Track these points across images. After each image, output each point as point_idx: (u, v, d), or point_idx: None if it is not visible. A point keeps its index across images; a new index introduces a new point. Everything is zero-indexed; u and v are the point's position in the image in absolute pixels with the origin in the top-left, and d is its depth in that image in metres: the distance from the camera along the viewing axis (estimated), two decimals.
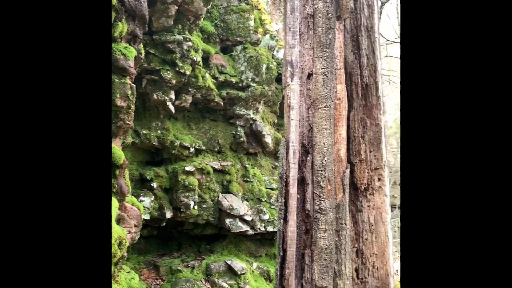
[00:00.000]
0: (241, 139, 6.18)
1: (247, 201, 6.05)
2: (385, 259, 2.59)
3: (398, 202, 14.32)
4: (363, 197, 2.64)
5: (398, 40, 8.14)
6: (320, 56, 2.34)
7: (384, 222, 2.63)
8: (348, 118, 2.67)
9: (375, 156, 2.66)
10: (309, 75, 2.40)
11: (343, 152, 2.56)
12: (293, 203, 2.30)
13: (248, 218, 5.81)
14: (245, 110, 6.15)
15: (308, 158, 2.39)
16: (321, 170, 2.35)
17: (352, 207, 2.66)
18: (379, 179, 2.65)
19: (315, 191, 2.34)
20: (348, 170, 2.55)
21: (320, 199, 2.33)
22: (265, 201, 6.22)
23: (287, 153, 2.35)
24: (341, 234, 2.43)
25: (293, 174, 2.32)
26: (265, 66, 6.07)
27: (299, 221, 2.34)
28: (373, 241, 2.60)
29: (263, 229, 5.93)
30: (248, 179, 6.24)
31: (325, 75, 2.35)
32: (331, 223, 2.33)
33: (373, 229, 2.61)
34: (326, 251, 2.27)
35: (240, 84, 6.04)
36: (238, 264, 5.57)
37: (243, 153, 6.39)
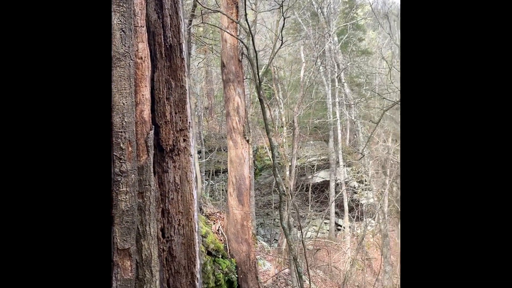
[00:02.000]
0: None
1: None
2: (190, 216, 2.71)
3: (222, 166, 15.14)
4: (169, 158, 2.68)
5: (213, 8, 8.35)
6: (117, 11, 2.20)
7: (189, 181, 2.73)
8: (152, 79, 2.62)
9: (180, 117, 2.70)
10: None
11: (146, 113, 2.51)
12: None
13: None
14: None
15: None
16: (121, 132, 2.26)
17: (158, 168, 2.67)
18: (184, 140, 2.72)
19: (115, 153, 2.24)
20: (152, 132, 2.52)
21: (121, 161, 2.25)
22: None
23: None
24: (145, 196, 2.42)
25: None
26: None
27: None
28: (179, 200, 2.69)
29: None
30: None
31: (123, 31, 2.23)
32: (133, 185, 2.29)
33: (178, 188, 2.69)
34: (128, 213, 2.23)
35: None
36: None
37: None
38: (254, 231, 13.29)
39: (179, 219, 2.67)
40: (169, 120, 2.65)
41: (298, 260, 5.39)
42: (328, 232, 20.20)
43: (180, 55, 2.68)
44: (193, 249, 2.69)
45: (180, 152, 2.70)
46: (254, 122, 16.62)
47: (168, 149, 2.66)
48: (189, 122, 2.74)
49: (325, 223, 20.33)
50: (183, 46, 2.71)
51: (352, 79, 22.53)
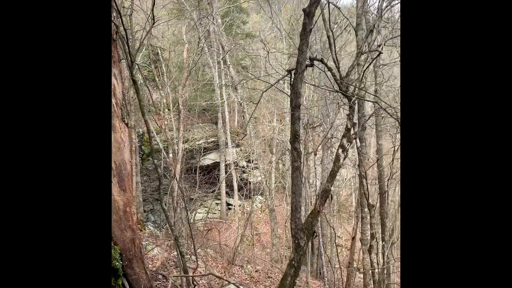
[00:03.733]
0: None
1: None
2: None
3: None
4: None
5: None
6: None
7: None
8: None
9: None
10: None
11: None
12: None
13: None
14: None
15: None
16: None
17: None
18: None
19: None
20: None
21: None
22: None
23: None
24: None
25: None
26: None
27: None
28: None
29: None
30: None
31: None
32: None
33: None
34: None
35: None
36: None
37: None
38: (142, 217, 12.99)
39: None
40: None
41: (179, 240, 5.46)
42: (220, 212, 20.68)
43: None
44: None
45: None
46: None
47: None
48: None
49: (217, 203, 20.76)
50: None
51: (238, 61, 23.00)
